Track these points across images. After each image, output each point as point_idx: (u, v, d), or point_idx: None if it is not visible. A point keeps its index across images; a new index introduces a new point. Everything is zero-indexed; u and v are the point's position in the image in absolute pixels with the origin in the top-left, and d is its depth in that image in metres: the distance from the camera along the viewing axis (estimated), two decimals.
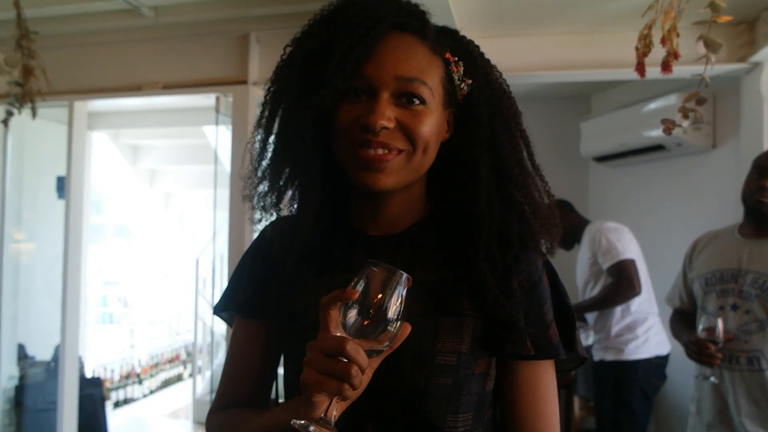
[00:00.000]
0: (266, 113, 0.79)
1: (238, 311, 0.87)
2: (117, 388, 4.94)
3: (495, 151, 0.76)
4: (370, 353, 0.63)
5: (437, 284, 0.75)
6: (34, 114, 2.06)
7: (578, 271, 2.81)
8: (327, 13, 0.75)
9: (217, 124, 3.04)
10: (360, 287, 0.63)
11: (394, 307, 0.63)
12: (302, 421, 0.63)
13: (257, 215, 0.83)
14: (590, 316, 2.73)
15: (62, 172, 3.29)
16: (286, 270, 0.81)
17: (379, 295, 0.63)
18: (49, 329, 3.62)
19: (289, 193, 0.83)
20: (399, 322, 0.64)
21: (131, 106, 3.86)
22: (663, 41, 1.16)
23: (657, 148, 3.01)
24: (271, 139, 0.80)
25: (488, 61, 0.81)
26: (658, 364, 2.55)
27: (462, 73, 0.77)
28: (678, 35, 1.14)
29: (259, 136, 0.80)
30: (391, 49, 0.72)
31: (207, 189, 5.77)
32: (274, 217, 0.84)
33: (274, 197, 0.81)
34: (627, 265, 2.49)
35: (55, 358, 3.62)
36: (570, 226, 2.77)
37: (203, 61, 2.92)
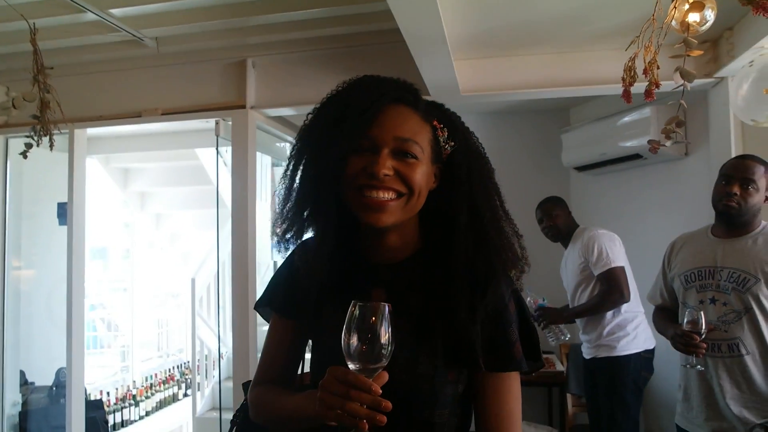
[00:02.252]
0: (291, 165, 0.98)
1: (276, 310, 1.09)
2: (114, 411, 4.93)
3: (471, 200, 0.95)
4: (371, 372, 0.80)
5: (422, 309, 0.95)
6: (51, 146, 2.14)
7: (566, 273, 2.97)
8: (342, 88, 0.96)
9: (217, 147, 3.14)
10: (354, 321, 0.80)
11: (384, 333, 0.80)
12: None
13: (282, 247, 1.02)
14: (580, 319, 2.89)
15: (61, 198, 3.35)
16: (313, 286, 1.01)
17: (372, 325, 0.79)
18: (49, 355, 3.65)
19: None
20: (390, 344, 0.80)
21: (125, 131, 3.93)
22: (645, 72, 1.33)
23: (634, 157, 3.21)
24: (295, 185, 0.98)
25: (467, 128, 1.02)
26: (647, 357, 2.72)
27: (446, 136, 0.97)
28: (658, 67, 1.31)
29: (284, 185, 0.99)
30: (391, 116, 0.92)
31: (197, 209, 5.84)
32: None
33: (296, 235, 1.00)
34: (617, 272, 2.68)
35: (57, 383, 3.65)
36: (564, 224, 2.93)
37: (202, 87, 3.03)
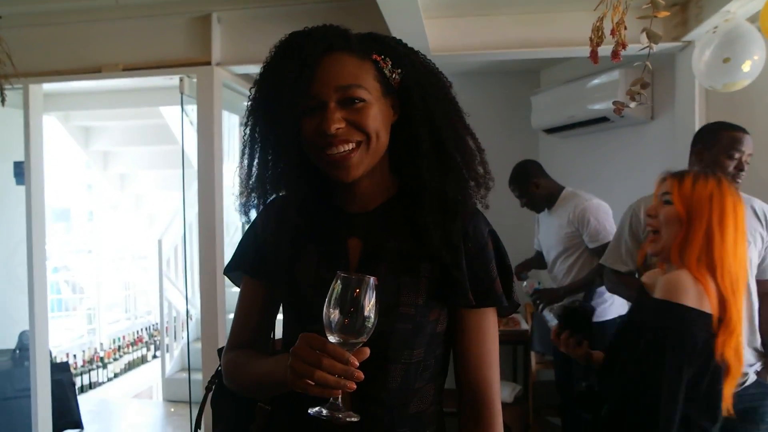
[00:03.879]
0: (247, 143, 0.96)
1: (246, 272, 1.06)
2: (81, 374, 4.91)
3: (430, 122, 0.93)
4: (351, 346, 0.78)
5: (402, 251, 0.94)
6: (2, 101, 2.05)
7: (547, 237, 2.92)
8: (273, 55, 0.93)
9: (182, 105, 3.05)
10: (336, 293, 0.78)
11: (368, 306, 0.78)
12: (316, 409, 0.80)
13: (245, 209, 1.00)
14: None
15: (17, 157, 3.23)
16: (283, 242, 0.99)
17: (355, 298, 0.78)
18: (10, 317, 3.58)
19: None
20: (374, 318, 0.79)
21: (85, 87, 3.79)
22: (612, 33, 1.33)
23: (601, 120, 3.23)
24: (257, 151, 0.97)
25: (411, 49, 0.98)
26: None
27: (391, 66, 0.94)
28: (626, 28, 1.31)
29: (245, 158, 0.97)
30: (327, 68, 0.89)
31: (162, 170, 5.71)
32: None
33: (262, 200, 0.98)
34: None
35: (20, 346, 3.60)
36: (546, 191, 2.87)
37: (165, 41, 2.91)
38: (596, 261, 2.62)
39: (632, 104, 1.38)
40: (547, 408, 3.25)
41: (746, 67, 2.20)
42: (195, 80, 2.93)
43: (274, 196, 1.00)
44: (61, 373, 3.77)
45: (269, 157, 0.95)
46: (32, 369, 3.11)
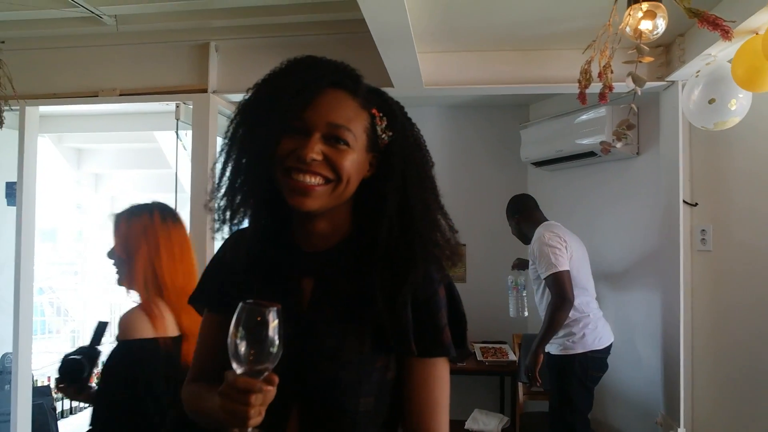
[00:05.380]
0: (227, 142, 0.96)
1: (205, 304, 1.07)
2: (62, 398, 4.80)
3: (403, 192, 0.94)
4: (257, 374, 0.78)
5: (351, 295, 0.94)
6: (0, 123, 2.07)
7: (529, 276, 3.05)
8: (283, 67, 0.95)
9: (177, 131, 3.08)
10: (242, 323, 0.78)
11: (272, 335, 0.78)
12: None
13: (217, 225, 0.99)
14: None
15: (10, 178, 3.23)
16: (239, 276, 0.99)
17: (258, 327, 0.78)
18: None
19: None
20: (279, 344, 0.79)
21: (79, 110, 3.80)
22: (600, 76, 1.39)
23: (588, 154, 3.31)
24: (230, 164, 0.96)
25: (409, 119, 1.01)
26: (595, 357, 2.76)
27: (384, 126, 0.96)
28: (612, 71, 1.37)
29: (221, 159, 0.97)
30: (327, 101, 0.91)
31: (155, 193, 5.71)
32: (232, 227, 1.02)
33: (229, 213, 0.97)
34: (558, 277, 2.69)
35: (1, 369, 3.54)
36: (526, 228, 3.02)
37: (162, 68, 2.96)
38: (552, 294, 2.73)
39: (618, 144, 1.43)
40: None
41: (732, 105, 2.27)
42: (191, 106, 2.97)
43: (237, 228, 1.01)
44: (42, 397, 3.70)
45: (243, 160, 0.94)
46: (13, 393, 3.05)
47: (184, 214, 3.10)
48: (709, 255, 2.65)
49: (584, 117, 3.30)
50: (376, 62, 2.48)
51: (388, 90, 1.02)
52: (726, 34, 1.28)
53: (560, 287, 2.69)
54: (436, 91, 2.90)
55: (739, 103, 2.28)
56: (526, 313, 3.37)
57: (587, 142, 3.24)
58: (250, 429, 0.79)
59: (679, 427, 2.65)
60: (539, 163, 3.75)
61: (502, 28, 2.53)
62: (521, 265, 3.38)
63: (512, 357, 3.51)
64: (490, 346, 3.59)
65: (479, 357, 3.45)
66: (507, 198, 3.22)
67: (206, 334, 1.06)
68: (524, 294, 3.46)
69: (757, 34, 1.97)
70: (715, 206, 2.64)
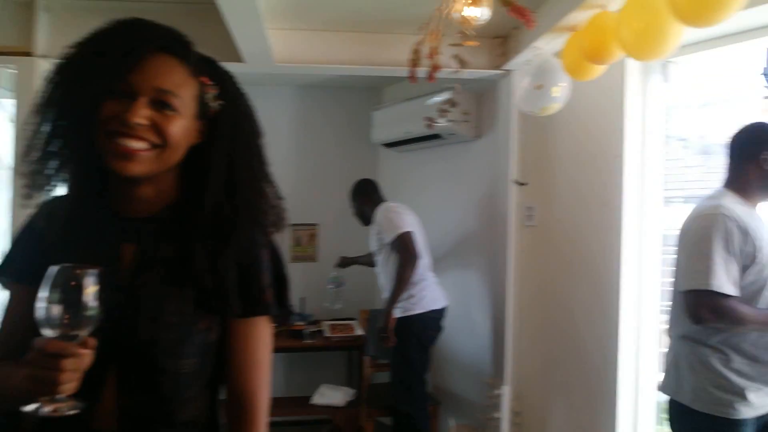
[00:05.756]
0: (43, 104, 0.91)
1: (11, 276, 1.00)
2: None
3: (230, 159, 0.97)
4: (74, 339, 0.76)
5: (174, 259, 0.94)
6: None
7: (371, 243, 3.26)
8: (109, 27, 0.91)
9: None
10: (56, 290, 0.75)
11: (89, 298, 0.76)
12: (34, 406, 0.76)
13: (28, 191, 0.94)
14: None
15: None
16: (52, 244, 0.93)
17: (73, 290, 0.75)
18: None
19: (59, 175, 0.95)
20: (97, 308, 0.77)
21: None
22: (430, 56, 1.50)
23: (435, 137, 3.52)
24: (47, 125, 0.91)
25: (239, 89, 1.02)
26: (433, 317, 3.08)
27: (214, 95, 0.97)
28: (439, 54, 1.49)
29: (35, 121, 0.91)
30: (155, 65, 0.89)
31: None
32: (45, 194, 0.97)
33: (44, 179, 0.92)
34: (404, 237, 3.00)
35: None
36: (368, 210, 3.24)
37: None
38: (394, 254, 3.02)
39: (441, 120, 1.56)
40: (378, 409, 3.41)
41: (555, 92, 2.54)
42: (14, 71, 2.67)
43: (47, 197, 0.96)
44: None
45: (62, 123, 0.90)
46: None
47: (7, 192, 2.80)
48: (534, 229, 2.97)
49: (433, 100, 3.49)
50: (226, 36, 2.41)
51: (239, 65, 1.01)
52: (528, 23, 1.46)
53: (406, 245, 2.98)
54: (289, 68, 2.89)
55: (560, 91, 2.56)
56: (342, 305, 3.75)
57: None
58: (62, 397, 0.75)
59: (505, 385, 2.97)
60: (389, 145, 3.91)
61: (349, 10, 2.60)
62: (344, 263, 3.68)
63: (359, 332, 3.66)
64: (338, 323, 3.73)
65: (327, 333, 3.58)
66: (359, 177, 3.39)
67: (12, 308, 0.98)
68: (343, 288, 3.76)
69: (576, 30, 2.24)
70: (540, 186, 2.95)
